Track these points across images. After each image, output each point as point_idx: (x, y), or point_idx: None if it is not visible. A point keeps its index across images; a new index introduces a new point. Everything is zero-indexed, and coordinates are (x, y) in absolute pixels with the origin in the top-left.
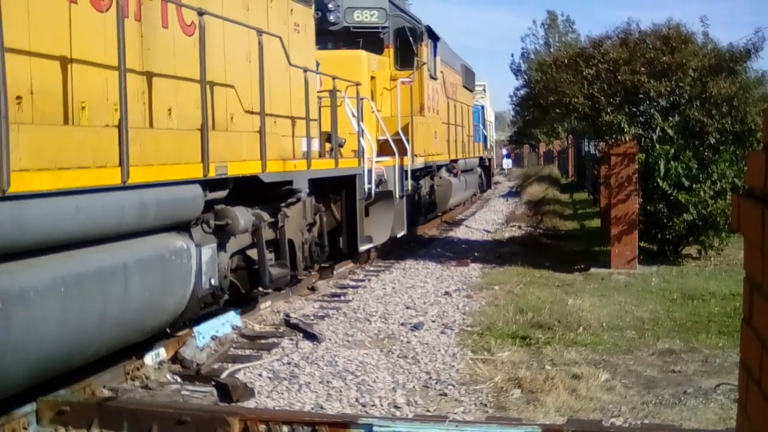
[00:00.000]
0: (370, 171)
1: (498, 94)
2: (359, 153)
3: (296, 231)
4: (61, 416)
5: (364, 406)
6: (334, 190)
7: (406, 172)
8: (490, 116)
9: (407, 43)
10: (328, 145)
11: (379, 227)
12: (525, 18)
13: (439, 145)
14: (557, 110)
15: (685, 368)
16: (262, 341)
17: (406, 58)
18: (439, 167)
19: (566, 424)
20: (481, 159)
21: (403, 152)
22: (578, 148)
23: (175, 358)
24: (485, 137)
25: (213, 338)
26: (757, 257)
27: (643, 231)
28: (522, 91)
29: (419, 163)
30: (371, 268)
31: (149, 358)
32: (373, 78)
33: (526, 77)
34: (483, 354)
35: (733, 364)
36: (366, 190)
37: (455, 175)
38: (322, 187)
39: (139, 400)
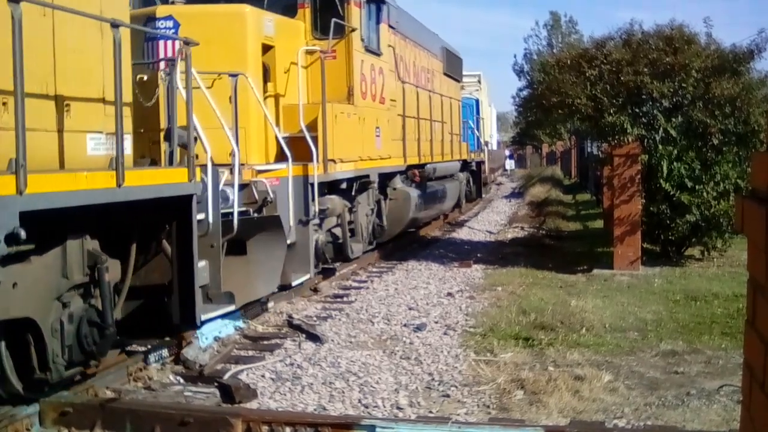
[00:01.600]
0: (222, 188)
1: (500, 94)
2: (232, 158)
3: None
4: (64, 417)
5: (366, 407)
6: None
7: (313, 185)
8: (488, 112)
9: (332, 3)
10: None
11: (261, 273)
12: (525, 18)
13: (386, 146)
14: (560, 111)
15: (688, 369)
16: (265, 342)
17: (329, 24)
18: (391, 176)
19: (569, 425)
20: (465, 162)
21: (307, 157)
22: (581, 149)
23: (178, 359)
24: (478, 137)
25: (216, 339)
26: (761, 258)
27: (645, 232)
28: (525, 92)
29: (342, 171)
30: (374, 270)
31: (152, 359)
32: (270, 48)
33: (528, 78)
34: (486, 355)
35: (736, 365)
36: (209, 221)
37: (419, 185)
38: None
39: (142, 401)
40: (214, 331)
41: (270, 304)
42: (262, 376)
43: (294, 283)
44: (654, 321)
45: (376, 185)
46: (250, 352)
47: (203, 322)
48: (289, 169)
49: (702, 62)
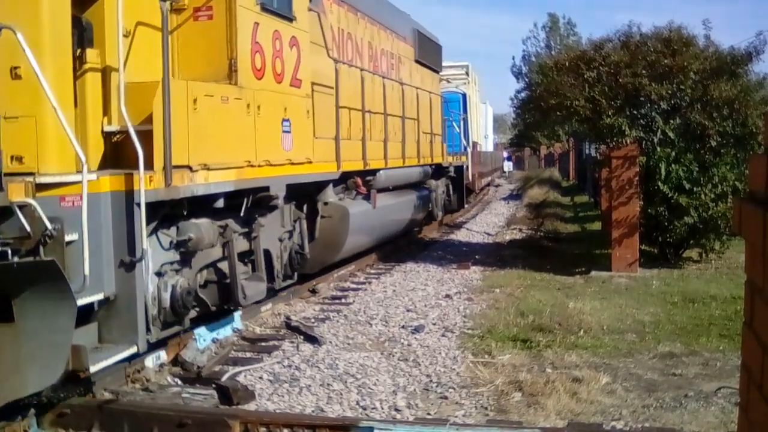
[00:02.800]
0: None
1: (498, 96)
2: None
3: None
4: (62, 419)
5: (364, 409)
6: None
7: (140, 205)
8: (479, 109)
9: None
10: None
11: (35, 353)
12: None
13: (301, 146)
14: (558, 113)
15: (685, 371)
16: (263, 344)
17: None
18: (321, 186)
19: (567, 427)
20: (440, 167)
21: (131, 162)
22: (579, 150)
23: (176, 361)
24: (464, 136)
25: (214, 341)
26: (759, 261)
27: (643, 234)
28: (523, 94)
29: (211, 182)
30: (372, 271)
31: (150, 361)
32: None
33: (527, 80)
34: (484, 357)
35: (733, 367)
36: None
37: (367, 198)
38: None
39: (140, 403)
40: (211, 333)
41: (268, 306)
42: (260, 377)
43: (94, 369)
44: (652, 323)
45: (281, 200)
46: (248, 354)
47: None
48: (83, 186)
49: (700, 64)
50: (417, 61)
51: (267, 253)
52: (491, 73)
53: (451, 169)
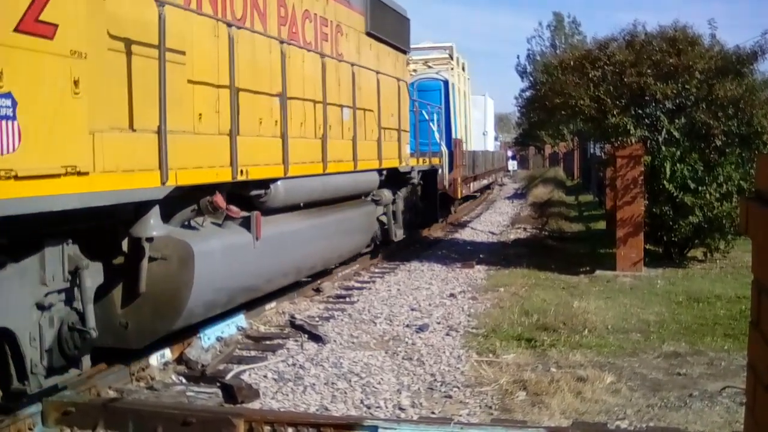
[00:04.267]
0: None
1: (502, 95)
2: None
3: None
4: (67, 417)
5: (369, 407)
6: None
7: None
8: (468, 100)
9: None
10: None
11: None
12: (526, 20)
13: (50, 144)
14: (563, 112)
15: (690, 371)
16: (267, 342)
17: None
18: (141, 210)
19: (571, 426)
20: (395, 172)
21: None
22: (584, 150)
23: (180, 359)
24: (438, 131)
25: (218, 339)
26: (766, 260)
27: (648, 233)
28: (527, 93)
29: None
30: (376, 270)
31: (154, 359)
32: None
33: (531, 79)
34: (488, 356)
35: (738, 367)
36: None
37: (246, 224)
38: None
39: (144, 401)
40: (216, 331)
41: (272, 304)
42: (265, 376)
43: None
44: (656, 322)
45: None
46: (253, 353)
47: None
48: None
49: (705, 64)
50: (370, 34)
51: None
52: (494, 72)
53: (415, 174)
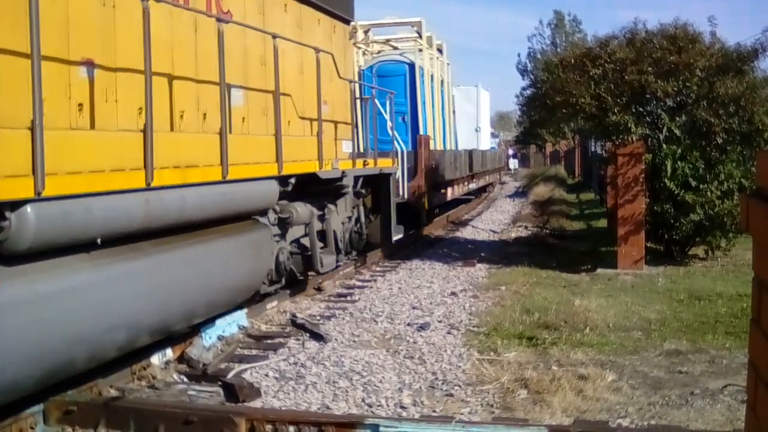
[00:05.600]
0: None
1: (502, 93)
2: None
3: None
4: (68, 416)
5: (370, 406)
6: None
7: None
8: (447, 88)
9: None
10: None
11: None
12: (525, 18)
13: None
14: (564, 110)
15: (691, 369)
16: (269, 341)
17: None
18: None
19: (573, 424)
20: (323, 179)
21: None
22: (585, 148)
23: (182, 358)
24: (390, 126)
25: (219, 338)
26: (767, 258)
27: (649, 231)
28: (528, 91)
29: None
30: (377, 269)
31: (156, 358)
32: None
33: (532, 77)
34: (489, 354)
35: (740, 365)
36: None
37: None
38: None
39: (146, 400)
40: (217, 330)
41: (273, 303)
42: (266, 375)
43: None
44: (658, 320)
45: None
46: (254, 351)
47: None
48: None
49: (706, 61)
50: None
51: None
52: (495, 70)
53: (350, 180)
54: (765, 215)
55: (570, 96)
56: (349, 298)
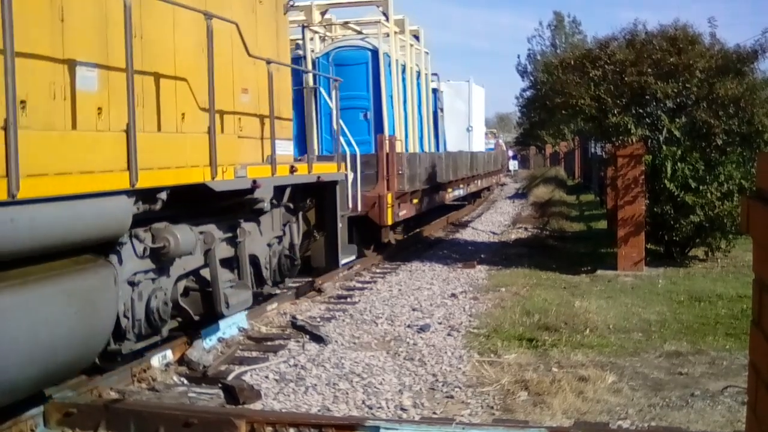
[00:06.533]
0: None
1: (502, 95)
2: None
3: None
4: (68, 418)
5: (370, 408)
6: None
7: None
8: (426, 81)
9: None
10: None
11: None
12: (526, 19)
13: None
14: (564, 112)
15: (692, 370)
16: (269, 343)
17: None
18: None
19: (573, 426)
20: (230, 192)
21: None
22: (585, 149)
23: (182, 360)
24: (334, 125)
25: (219, 340)
26: (767, 259)
27: (649, 233)
28: (528, 93)
29: None
30: (378, 270)
31: (156, 360)
32: None
33: (532, 78)
34: (489, 356)
35: (740, 366)
36: None
37: None
38: None
39: (146, 402)
40: (217, 332)
41: (273, 305)
42: (266, 377)
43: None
44: (658, 322)
45: None
46: (254, 353)
47: None
48: None
49: (706, 62)
50: None
51: None
52: (495, 71)
53: (266, 192)
54: (765, 216)
55: (570, 97)
56: (349, 299)
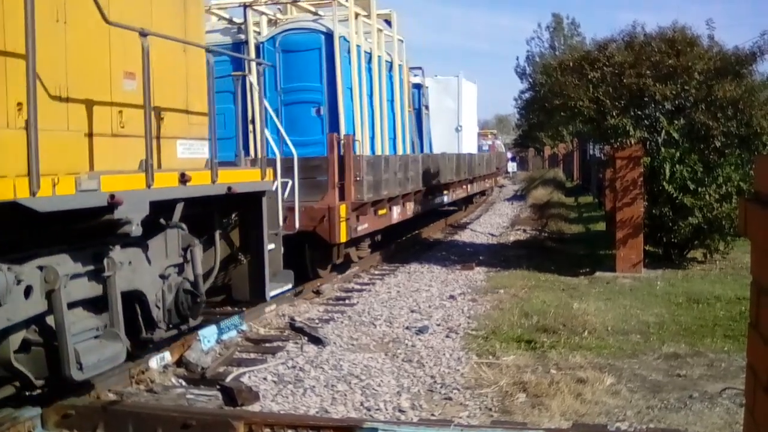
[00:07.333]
0: None
1: (501, 97)
2: None
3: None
4: (66, 420)
5: (368, 410)
6: None
7: None
8: (401, 78)
9: None
10: None
11: None
12: (525, 21)
13: None
14: (562, 113)
15: (690, 372)
16: (267, 345)
17: None
18: None
19: (571, 428)
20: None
21: None
22: (583, 151)
23: (180, 362)
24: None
25: (218, 342)
26: (765, 261)
27: (648, 234)
28: (527, 95)
29: None
30: (376, 272)
31: (154, 362)
32: None
33: (531, 80)
34: (488, 358)
35: (738, 368)
36: None
37: None
38: None
39: (144, 404)
40: (216, 334)
41: (272, 307)
42: (264, 378)
43: None
44: (656, 324)
45: None
46: (252, 355)
47: None
48: None
49: (704, 65)
50: None
51: None
52: (494, 73)
53: (125, 210)
54: (763, 219)
55: (568, 99)
56: (347, 301)
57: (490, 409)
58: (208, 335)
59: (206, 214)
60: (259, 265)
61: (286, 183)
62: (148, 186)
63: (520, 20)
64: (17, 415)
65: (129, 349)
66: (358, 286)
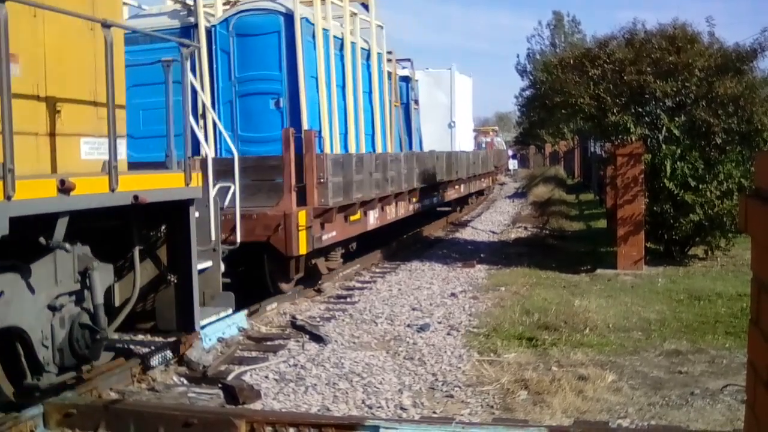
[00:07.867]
0: None
1: (502, 94)
2: None
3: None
4: (68, 419)
5: (370, 407)
6: None
7: None
8: (379, 68)
9: None
10: None
11: None
12: (526, 19)
13: None
14: (563, 111)
15: (691, 369)
16: (269, 343)
17: None
18: None
19: (573, 425)
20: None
21: None
22: (584, 148)
23: (182, 360)
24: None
25: (219, 340)
26: (766, 258)
27: (649, 231)
28: (527, 92)
29: None
30: (377, 270)
31: (156, 360)
32: None
33: (531, 78)
34: (489, 355)
35: (740, 365)
36: None
37: None
38: None
39: (146, 403)
40: (217, 332)
41: (273, 305)
42: (266, 377)
43: None
44: (658, 321)
45: None
46: (254, 353)
47: None
48: None
49: (705, 61)
50: None
51: None
52: (495, 71)
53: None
54: (764, 216)
55: (569, 96)
56: (348, 299)
57: (492, 407)
58: (210, 333)
59: (126, 227)
60: (186, 288)
61: (228, 188)
62: (8, 197)
63: (520, 19)
64: (19, 414)
65: (11, 397)
66: (359, 284)
